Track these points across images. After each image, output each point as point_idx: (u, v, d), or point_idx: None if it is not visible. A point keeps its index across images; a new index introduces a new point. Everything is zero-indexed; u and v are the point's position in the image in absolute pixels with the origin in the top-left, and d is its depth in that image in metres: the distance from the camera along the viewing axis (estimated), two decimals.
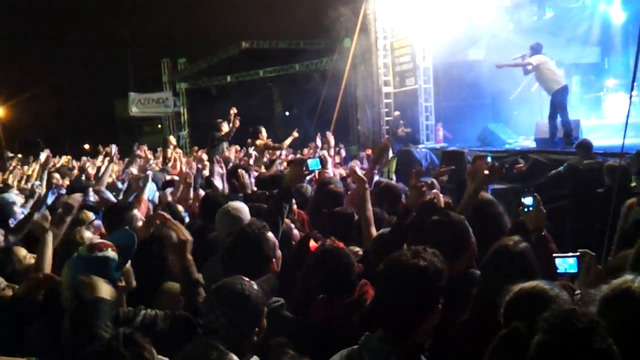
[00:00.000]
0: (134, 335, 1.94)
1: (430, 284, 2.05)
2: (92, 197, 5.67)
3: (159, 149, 12.82)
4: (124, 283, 2.67)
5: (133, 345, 1.91)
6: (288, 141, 10.38)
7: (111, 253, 2.63)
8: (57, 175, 7.72)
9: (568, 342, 1.61)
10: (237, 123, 9.96)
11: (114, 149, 5.59)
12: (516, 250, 2.55)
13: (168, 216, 2.90)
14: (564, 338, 1.62)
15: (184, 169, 7.89)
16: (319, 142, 8.39)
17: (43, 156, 8.24)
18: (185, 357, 1.64)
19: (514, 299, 2.00)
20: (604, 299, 1.80)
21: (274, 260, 3.02)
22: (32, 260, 3.44)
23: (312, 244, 3.25)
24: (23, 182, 9.15)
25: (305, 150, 11.17)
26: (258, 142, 10.14)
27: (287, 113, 30.36)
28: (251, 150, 9.05)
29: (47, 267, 3.19)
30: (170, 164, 9.99)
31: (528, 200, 3.10)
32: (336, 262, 2.79)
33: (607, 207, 4.43)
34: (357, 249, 3.76)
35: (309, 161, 3.77)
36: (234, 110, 10.02)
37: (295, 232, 4.08)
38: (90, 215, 4.57)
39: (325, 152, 7.54)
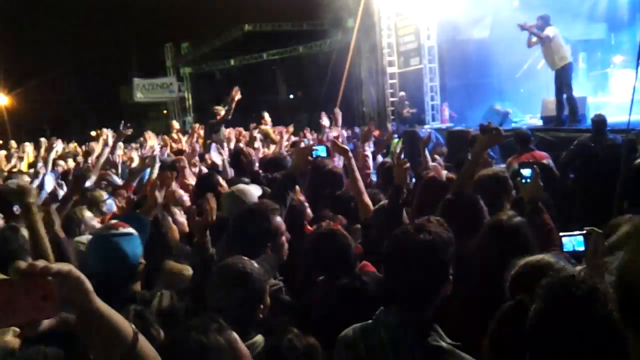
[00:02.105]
0: (145, 313, 1.99)
1: (439, 257, 2.00)
2: (90, 182, 5.70)
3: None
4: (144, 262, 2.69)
5: (142, 320, 1.93)
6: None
7: (132, 230, 2.65)
8: (61, 162, 7.75)
9: (567, 309, 1.56)
10: (233, 105, 8.94)
11: (109, 133, 5.60)
12: (510, 224, 2.55)
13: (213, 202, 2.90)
14: (563, 306, 1.57)
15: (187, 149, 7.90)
16: (326, 122, 8.01)
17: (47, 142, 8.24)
18: (186, 329, 1.70)
19: (519, 273, 1.98)
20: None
21: (280, 242, 3.02)
22: None
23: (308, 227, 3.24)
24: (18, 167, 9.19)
25: (309, 135, 10.90)
26: (263, 127, 10.05)
27: (291, 96, 30.24)
28: (256, 133, 8.87)
29: (45, 242, 2.72)
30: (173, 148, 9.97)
31: (526, 172, 3.13)
32: (333, 245, 2.80)
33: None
34: (359, 226, 3.77)
35: (315, 148, 3.75)
36: (236, 91, 9.00)
37: (309, 211, 4.04)
38: (104, 195, 4.64)
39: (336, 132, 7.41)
